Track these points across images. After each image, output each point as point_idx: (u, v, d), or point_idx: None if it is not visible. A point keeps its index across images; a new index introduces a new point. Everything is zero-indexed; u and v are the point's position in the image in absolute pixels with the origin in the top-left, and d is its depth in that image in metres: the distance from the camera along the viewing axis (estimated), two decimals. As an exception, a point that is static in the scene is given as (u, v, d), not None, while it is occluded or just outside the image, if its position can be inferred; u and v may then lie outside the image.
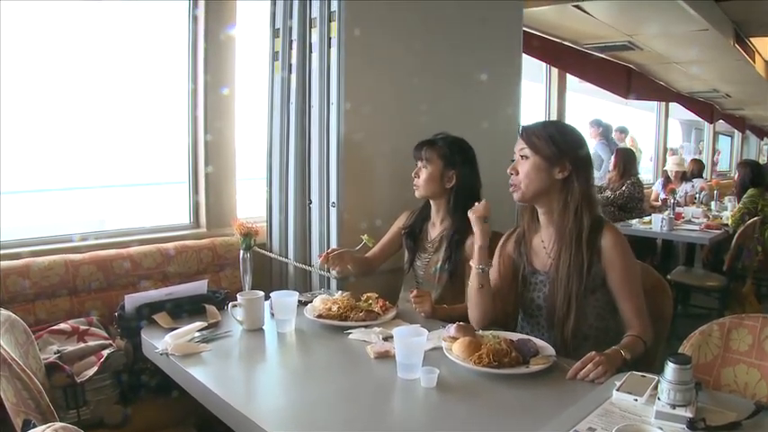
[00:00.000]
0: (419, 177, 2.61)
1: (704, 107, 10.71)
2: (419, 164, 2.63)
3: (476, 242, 2.10)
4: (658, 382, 1.46)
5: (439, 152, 2.59)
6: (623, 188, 6.24)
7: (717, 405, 1.48)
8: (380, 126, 2.98)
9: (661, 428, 1.31)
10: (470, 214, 2.11)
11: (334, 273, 2.80)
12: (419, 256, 2.71)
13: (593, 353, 1.75)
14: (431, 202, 2.69)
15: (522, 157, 2.05)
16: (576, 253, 1.99)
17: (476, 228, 2.10)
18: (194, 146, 3.29)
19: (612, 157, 6.65)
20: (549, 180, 2.02)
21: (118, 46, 3.74)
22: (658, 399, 1.43)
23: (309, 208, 2.99)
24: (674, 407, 1.40)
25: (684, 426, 1.36)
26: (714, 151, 12.72)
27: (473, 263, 2.11)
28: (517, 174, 2.05)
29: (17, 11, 2.80)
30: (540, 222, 2.13)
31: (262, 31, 3.11)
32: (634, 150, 7.57)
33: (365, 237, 2.57)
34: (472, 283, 2.12)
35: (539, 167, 2.01)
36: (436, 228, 2.68)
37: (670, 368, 1.42)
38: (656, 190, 7.69)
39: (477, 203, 2.12)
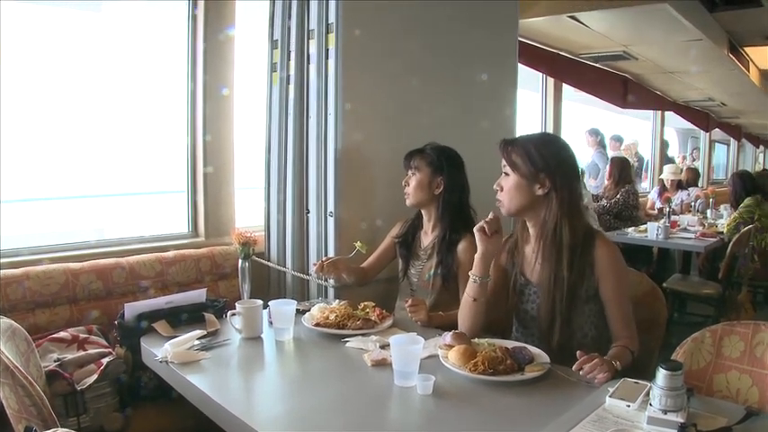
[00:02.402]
0: (409, 186, 2.66)
1: (700, 116, 10.76)
2: (408, 173, 2.68)
3: (479, 249, 2.10)
4: (650, 388, 1.49)
5: (426, 159, 2.64)
6: (618, 196, 6.27)
7: (708, 410, 1.50)
8: (378, 136, 3.02)
9: (651, 433, 1.34)
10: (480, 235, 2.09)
11: (331, 281, 2.83)
12: (413, 264, 2.74)
13: (597, 355, 1.78)
14: (422, 211, 2.73)
15: (504, 173, 2.08)
16: (558, 268, 2.02)
17: (476, 238, 2.09)
18: (193, 155, 3.32)
19: (607, 166, 6.68)
20: (530, 196, 2.04)
21: (116, 55, 3.77)
22: (650, 405, 1.46)
23: (307, 217, 3.02)
24: (665, 412, 1.42)
25: (676, 431, 1.39)
26: (710, 160, 12.76)
27: (474, 273, 2.11)
28: (502, 190, 2.08)
29: (19, 18, 2.83)
30: (530, 234, 2.15)
31: (260, 40, 3.14)
32: (633, 157, 7.58)
33: (358, 243, 2.59)
34: (467, 293, 2.14)
35: (518, 185, 2.04)
36: (428, 235, 2.71)
37: (661, 374, 1.45)
38: (652, 198, 7.72)
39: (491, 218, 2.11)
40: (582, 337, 2.07)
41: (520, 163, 2.03)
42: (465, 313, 2.15)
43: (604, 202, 6.35)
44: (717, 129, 12.00)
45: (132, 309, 2.32)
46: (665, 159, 9.91)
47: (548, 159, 2.03)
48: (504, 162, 2.07)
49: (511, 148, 2.06)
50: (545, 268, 2.06)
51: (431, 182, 2.62)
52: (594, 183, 7.32)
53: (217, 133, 3.29)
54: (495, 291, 2.22)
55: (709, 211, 6.88)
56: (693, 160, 11.96)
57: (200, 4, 3.21)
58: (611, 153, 7.85)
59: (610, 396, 1.55)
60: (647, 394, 1.51)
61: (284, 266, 3.08)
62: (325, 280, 2.85)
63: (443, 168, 2.62)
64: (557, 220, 2.01)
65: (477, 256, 2.10)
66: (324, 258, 2.65)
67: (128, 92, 3.87)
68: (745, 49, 6.97)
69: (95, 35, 3.88)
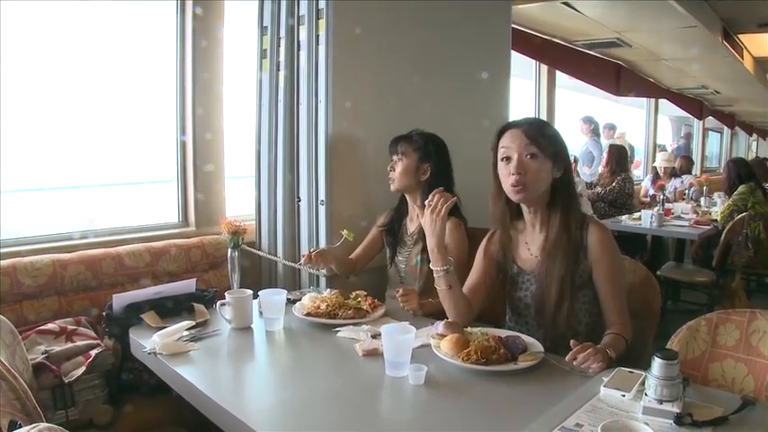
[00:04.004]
0: (394, 171, 2.65)
1: (693, 104, 10.76)
2: (394, 158, 2.67)
3: (429, 242, 2.06)
4: (646, 377, 1.47)
5: (414, 146, 2.64)
6: (613, 184, 6.26)
7: (704, 400, 1.48)
8: (369, 124, 2.99)
9: (647, 423, 1.32)
10: (428, 213, 2.04)
11: (323, 271, 2.80)
12: (400, 251, 2.74)
13: (591, 344, 1.76)
14: (407, 196, 2.73)
15: (529, 156, 1.95)
16: (568, 251, 1.98)
17: (431, 226, 2.03)
18: (183, 144, 3.28)
19: (605, 154, 6.66)
20: (549, 180, 1.99)
21: (106, 45, 3.72)
22: (645, 394, 1.44)
23: (298, 206, 2.99)
24: (661, 402, 1.40)
25: (671, 421, 1.37)
26: (704, 148, 12.78)
27: (433, 266, 2.07)
28: (524, 173, 1.96)
29: (7, 9, 2.79)
30: (526, 221, 2.11)
31: (250, 30, 3.11)
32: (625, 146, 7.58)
33: (345, 231, 2.57)
34: (439, 286, 2.09)
35: (546, 168, 1.96)
36: (414, 221, 2.72)
37: (657, 364, 1.43)
38: (646, 186, 7.72)
39: (435, 197, 2.04)
40: (577, 324, 2.05)
41: (548, 145, 1.96)
42: (447, 303, 2.12)
43: (599, 189, 6.34)
44: (710, 117, 12.01)
45: (121, 299, 2.29)
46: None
47: (563, 142, 2.02)
48: (526, 142, 1.95)
49: (536, 130, 1.98)
50: (541, 255, 2.04)
51: (417, 168, 2.62)
52: (588, 170, 7.32)
53: (207, 127, 3.26)
54: (488, 280, 2.19)
55: (702, 199, 6.88)
56: (680, 149, 11.94)
57: (189, 3, 3.18)
58: (604, 141, 7.84)
59: (604, 386, 1.53)
60: (643, 384, 1.49)
61: (275, 255, 3.05)
62: (318, 270, 2.82)
63: (430, 155, 2.63)
64: (573, 204, 2.00)
65: (435, 246, 2.04)
66: (311, 250, 2.62)
67: (117, 81, 3.82)
68: (740, 36, 6.96)
69: (84, 23, 3.83)
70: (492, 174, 2.08)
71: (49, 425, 1.16)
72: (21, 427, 1.35)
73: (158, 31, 3.39)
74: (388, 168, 2.67)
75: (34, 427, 1.12)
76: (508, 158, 1.99)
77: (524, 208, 2.09)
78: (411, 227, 2.72)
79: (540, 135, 1.97)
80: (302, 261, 2.63)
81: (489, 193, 2.11)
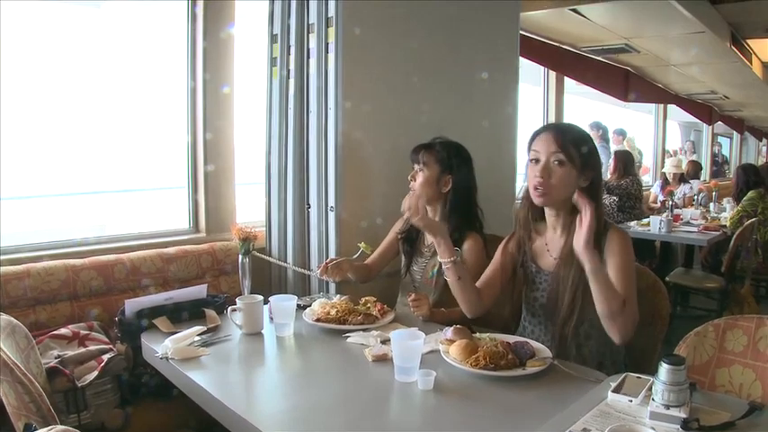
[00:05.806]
0: (415, 181, 2.60)
1: (702, 109, 10.71)
2: (416, 167, 2.61)
3: (433, 238, 2.13)
4: (653, 383, 1.48)
5: (436, 156, 2.57)
6: (621, 181, 6.22)
7: (711, 405, 1.49)
8: (378, 130, 3.00)
9: (654, 429, 1.33)
10: (417, 221, 2.13)
11: (338, 279, 2.80)
12: (416, 261, 2.70)
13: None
14: (427, 207, 2.66)
15: (556, 162, 1.96)
16: (576, 258, 1.98)
17: (423, 226, 2.14)
18: (194, 151, 3.30)
19: (611, 160, 6.65)
20: (575, 187, 1.97)
21: (117, 51, 3.76)
22: (653, 399, 1.45)
23: (308, 212, 3.01)
24: (668, 407, 1.41)
25: (678, 426, 1.38)
26: (713, 153, 12.72)
27: (441, 259, 2.11)
28: (548, 179, 1.97)
29: (18, 14, 2.82)
30: (548, 224, 2.11)
31: (260, 36, 3.13)
32: (632, 152, 7.56)
33: (363, 244, 2.57)
34: (448, 278, 2.12)
35: (571, 176, 1.96)
36: None
37: (664, 369, 1.43)
38: (655, 192, 7.69)
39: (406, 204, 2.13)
40: (590, 328, 2.04)
41: (577, 154, 1.96)
42: (456, 295, 2.14)
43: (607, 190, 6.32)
44: (719, 122, 11.95)
45: (133, 305, 2.31)
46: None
47: (595, 151, 2.01)
48: (554, 149, 1.96)
49: (568, 137, 1.98)
50: (563, 258, 2.03)
51: (439, 179, 2.56)
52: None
53: (217, 133, 3.28)
54: (503, 276, 2.21)
55: (711, 205, 6.87)
56: (686, 152, 11.87)
57: (200, 3, 3.20)
58: (613, 147, 7.82)
59: (612, 391, 1.54)
60: (650, 389, 1.49)
61: (285, 262, 3.07)
62: (333, 280, 2.81)
63: (452, 166, 2.56)
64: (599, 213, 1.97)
65: (436, 239, 2.10)
66: (327, 260, 2.63)
67: (128, 88, 3.86)
68: (748, 41, 6.93)
69: (95, 31, 3.87)
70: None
71: (65, 427, 1.18)
72: (36, 429, 1.37)
73: (169, 35, 3.42)
74: (409, 178, 2.62)
75: (51, 429, 1.14)
76: (537, 161, 2.00)
77: (547, 211, 2.09)
78: (429, 238, 2.64)
79: (571, 143, 1.97)
80: (318, 272, 2.63)
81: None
